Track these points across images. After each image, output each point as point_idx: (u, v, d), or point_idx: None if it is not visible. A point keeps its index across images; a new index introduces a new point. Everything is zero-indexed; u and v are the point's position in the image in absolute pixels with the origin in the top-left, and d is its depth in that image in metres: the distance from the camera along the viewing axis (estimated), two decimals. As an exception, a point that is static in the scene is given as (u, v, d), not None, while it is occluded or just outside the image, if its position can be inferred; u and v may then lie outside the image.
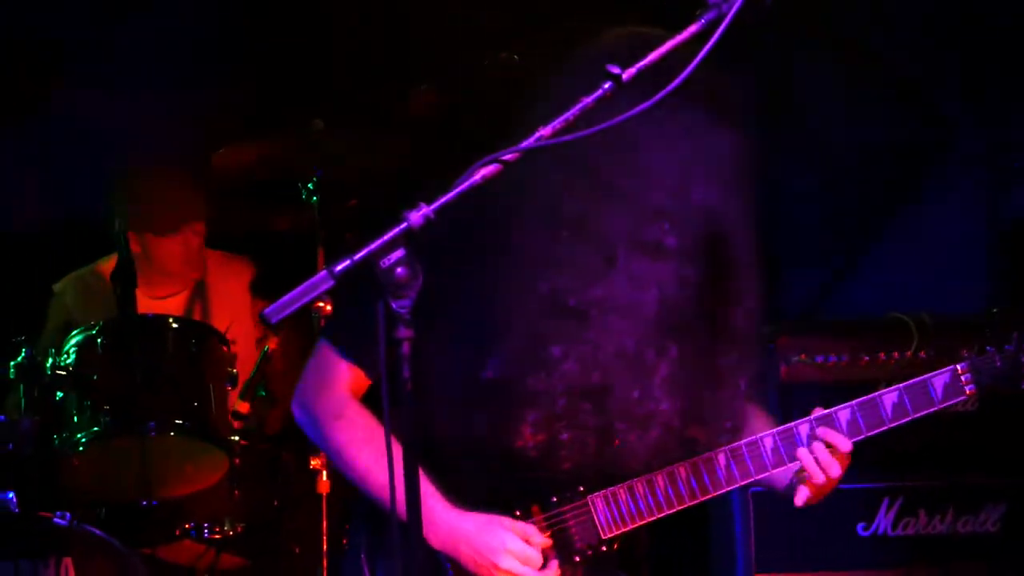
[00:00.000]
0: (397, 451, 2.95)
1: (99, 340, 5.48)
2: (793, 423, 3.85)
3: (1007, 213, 6.33)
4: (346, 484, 3.89)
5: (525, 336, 3.62)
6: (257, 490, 5.88)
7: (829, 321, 5.68)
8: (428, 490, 3.69)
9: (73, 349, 5.48)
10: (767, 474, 3.84)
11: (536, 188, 3.55)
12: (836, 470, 3.80)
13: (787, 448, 3.82)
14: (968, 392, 3.86)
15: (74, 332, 5.54)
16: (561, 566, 3.77)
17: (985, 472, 5.33)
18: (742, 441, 3.81)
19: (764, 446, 3.82)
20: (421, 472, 3.56)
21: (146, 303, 6.16)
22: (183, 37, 6.53)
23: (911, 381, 3.86)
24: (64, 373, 5.43)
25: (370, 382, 3.84)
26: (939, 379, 3.86)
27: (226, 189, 6.29)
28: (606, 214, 3.55)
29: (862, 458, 5.20)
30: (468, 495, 3.75)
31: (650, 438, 3.69)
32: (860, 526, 5.34)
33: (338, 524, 5.58)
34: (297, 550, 6.01)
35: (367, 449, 3.75)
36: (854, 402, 3.85)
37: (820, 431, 3.81)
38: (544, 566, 3.75)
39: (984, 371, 3.87)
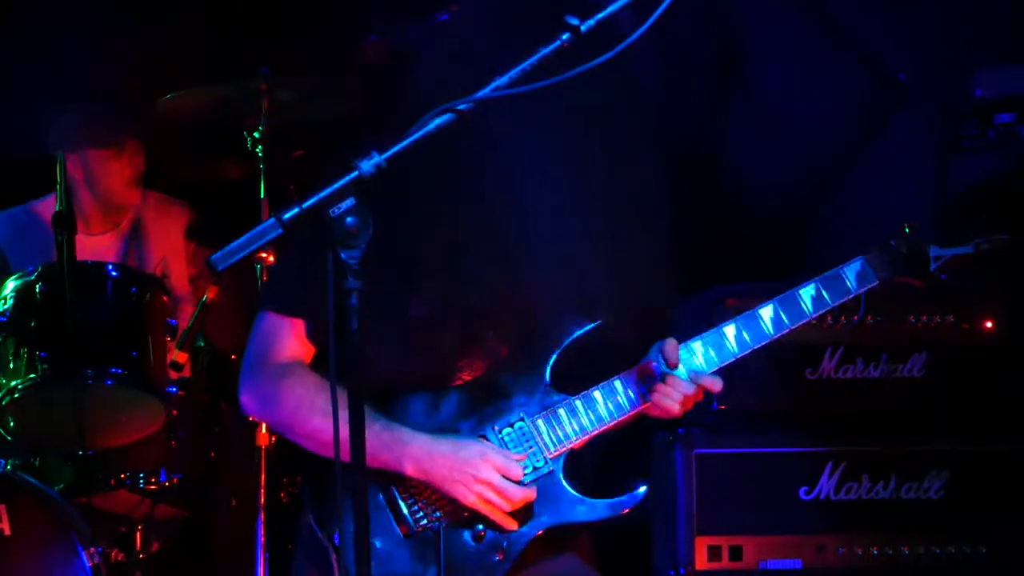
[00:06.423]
0: (344, 399, 2.93)
1: (37, 286, 5.41)
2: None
3: (956, 178, 6.32)
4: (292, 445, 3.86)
5: (448, 275, 3.73)
6: (194, 441, 5.85)
7: (775, 285, 5.64)
8: (392, 424, 3.71)
9: (11, 295, 5.42)
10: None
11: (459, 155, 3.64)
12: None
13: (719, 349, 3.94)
14: (879, 279, 4.02)
15: (12, 277, 5.48)
16: None
17: (930, 438, 5.33)
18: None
19: (696, 352, 3.89)
20: (379, 411, 3.64)
21: (80, 240, 6.05)
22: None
23: (825, 273, 4.02)
24: (1, 319, 5.36)
25: (315, 348, 3.81)
26: (850, 268, 4.02)
27: (170, 137, 6.22)
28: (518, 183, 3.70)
29: (806, 422, 5.20)
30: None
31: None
32: (802, 490, 5.31)
33: (276, 477, 5.55)
34: (234, 502, 5.98)
35: (320, 399, 3.72)
36: (775, 298, 3.99)
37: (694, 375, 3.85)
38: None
39: (891, 259, 4.04)
